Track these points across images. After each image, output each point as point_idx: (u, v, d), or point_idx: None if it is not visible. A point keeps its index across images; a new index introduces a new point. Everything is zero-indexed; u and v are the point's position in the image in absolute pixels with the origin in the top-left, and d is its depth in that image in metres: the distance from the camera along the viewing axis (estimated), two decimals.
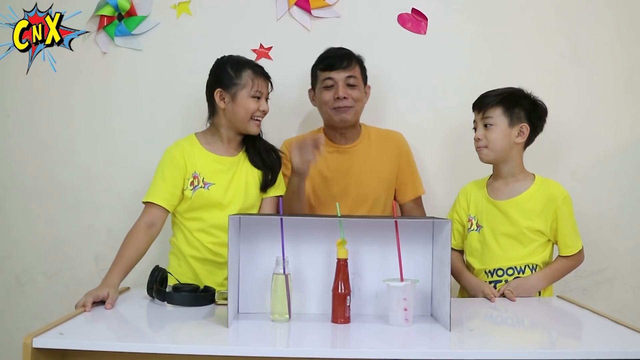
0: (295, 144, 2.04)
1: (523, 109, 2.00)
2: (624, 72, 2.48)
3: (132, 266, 1.88)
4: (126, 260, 1.86)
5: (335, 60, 2.17)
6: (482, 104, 2.02)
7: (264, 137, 2.15)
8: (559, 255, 2.02)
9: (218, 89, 2.03)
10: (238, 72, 2.03)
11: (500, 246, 1.99)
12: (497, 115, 1.98)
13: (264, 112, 2.06)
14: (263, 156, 2.11)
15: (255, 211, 2.10)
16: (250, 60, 2.11)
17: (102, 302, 1.69)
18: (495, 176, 2.08)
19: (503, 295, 1.92)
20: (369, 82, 2.28)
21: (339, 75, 2.16)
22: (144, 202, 2.00)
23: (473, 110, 2.06)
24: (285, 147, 2.26)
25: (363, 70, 2.24)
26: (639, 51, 2.48)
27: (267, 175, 2.10)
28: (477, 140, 2.02)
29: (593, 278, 2.48)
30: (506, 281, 1.97)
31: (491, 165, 2.08)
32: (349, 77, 2.17)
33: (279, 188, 2.14)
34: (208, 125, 2.12)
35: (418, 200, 2.33)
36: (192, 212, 2.03)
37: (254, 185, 2.09)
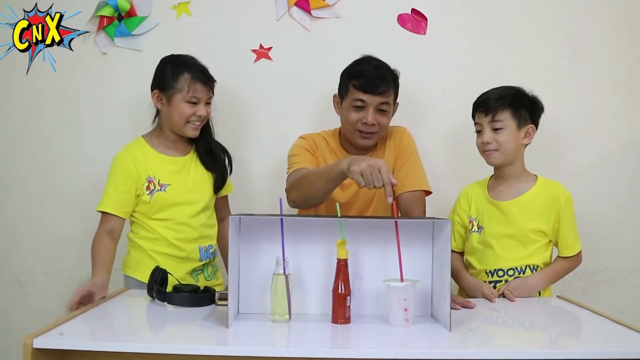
0: (373, 161, 1.62)
1: (527, 109, 1.98)
2: (623, 73, 2.48)
3: (110, 266, 1.95)
4: (101, 260, 1.93)
5: (373, 84, 2.01)
6: (489, 107, 1.97)
7: (215, 137, 2.18)
8: (558, 256, 2.02)
9: (156, 90, 2.05)
10: (175, 75, 2.02)
11: (501, 247, 1.98)
12: (507, 118, 1.95)
13: (201, 117, 2.05)
14: (215, 158, 2.15)
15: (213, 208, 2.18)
16: (192, 63, 2.07)
17: (104, 302, 1.70)
18: (497, 177, 2.07)
19: (503, 295, 1.92)
20: None
21: (372, 100, 2.02)
22: (98, 211, 2.00)
23: (476, 112, 2.02)
24: (304, 139, 2.15)
25: (397, 89, 2.11)
26: (639, 51, 2.48)
27: (218, 178, 2.15)
28: (485, 144, 1.98)
29: (593, 278, 2.48)
30: (506, 281, 1.96)
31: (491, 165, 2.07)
32: (382, 103, 2.03)
33: (229, 187, 2.22)
34: (154, 125, 2.13)
35: (419, 196, 2.11)
36: (155, 213, 2.04)
37: (208, 183, 2.14)
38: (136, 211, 2.05)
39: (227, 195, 2.25)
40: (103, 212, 2.00)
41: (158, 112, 2.11)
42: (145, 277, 1.82)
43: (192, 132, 2.06)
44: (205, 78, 2.04)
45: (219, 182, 2.15)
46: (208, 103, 2.07)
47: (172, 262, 2.02)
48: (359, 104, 2.03)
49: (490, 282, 1.98)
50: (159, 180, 2.03)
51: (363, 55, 2.11)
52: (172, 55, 2.10)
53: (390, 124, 2.30)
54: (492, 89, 2.02)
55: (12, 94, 2.54)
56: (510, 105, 1.96)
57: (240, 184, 2.38)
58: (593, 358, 1.35)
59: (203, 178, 2.12)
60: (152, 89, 2.07)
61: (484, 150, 2.00)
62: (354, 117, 2.05)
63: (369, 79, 2.01)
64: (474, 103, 2.04)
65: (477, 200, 2.07)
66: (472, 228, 2.06)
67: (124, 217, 2.02)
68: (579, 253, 2.02)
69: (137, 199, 2.03)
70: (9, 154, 2.54)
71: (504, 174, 2.03)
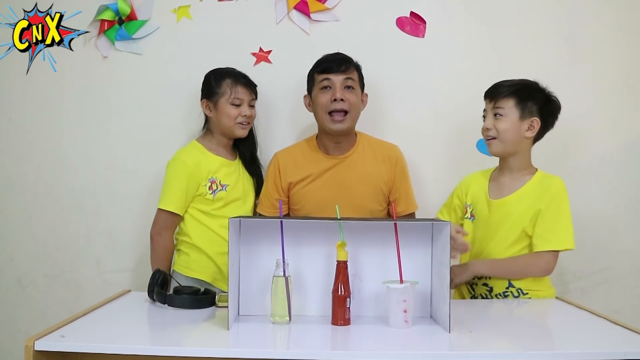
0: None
1: (536, 103, 1.97)
2: (622, 73, 2.48)
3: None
4: (169, 260, 2.19)
5: (334, 64, 2.16)
6: (495, 93, 1.98)
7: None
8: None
9: (204, 99, 2.24)
10: (218, 82, 2.21)
11: (490, 245, 1.98)
12: (509, 107, 1.95)
13: (247, 117, 2.22)
14: (257, 164, 2.35)
15: None
16: (233, 71, 2.24)
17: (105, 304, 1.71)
18: (501, 169, 2.04)
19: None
20: (368, 85, 2.28)
21: (337, 78, 2.15)
22: (164, 209, 2.12)
23: (485, 99, 2.03)
24: (278, 160, 2.26)
25: (361, 76, 2.23)
26: (638, 52, 2.48)
27: (259, 182, 2.32)
28: (485, 130, 1.99)
29: (591, 279, 2.48)
30: (485, 284, 1.96)
31: (487, 160, 2.05)
32: (347, 78, 2.16)
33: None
34: (204, 132, 2.28)
35: (412, 215, 2.28)
36: (217, 210, 2.17)
37: (252, 187, 2.32)
38: (198, 210, 2.17)
39: None
40: (168, 212, 2.13)
41: (207, 120, 2.27)
42: (208, 277, 2.14)
43: (241, 131, 2.22)
44: (245, 81, 2.23)
45: (260, 187, 2.31)
46: (251, 105, 2.25)
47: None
48: (325, 83, 2.16)
49: (476, 284, 1.99)
50: (220, 181, 2.18)
51: None
52: (212, 70, 2.26)
53: (385, 130, 2.35)
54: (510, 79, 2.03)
55: (12, 94, 2.54)
56: (515, 94, 1.96)
57: None
58: (592, 359, 1.36)
59: (249, 181, 2.30)
60: (201, 99, 2.25)
61: (485, 137, 2.01)
62: (323, 99, 2.16)
63: (329, 61, 2.18)
64: (487, 90, 2.04)
65: (475, 190, 2.07)
66: (466, 214, 2.07)
67: (182, 216, 2.18)
68: (552, 255, 1.90)
69: (194, 198, 2.16)
70: (10, 156, 2.55)
71: (508, 166, 2.02)
